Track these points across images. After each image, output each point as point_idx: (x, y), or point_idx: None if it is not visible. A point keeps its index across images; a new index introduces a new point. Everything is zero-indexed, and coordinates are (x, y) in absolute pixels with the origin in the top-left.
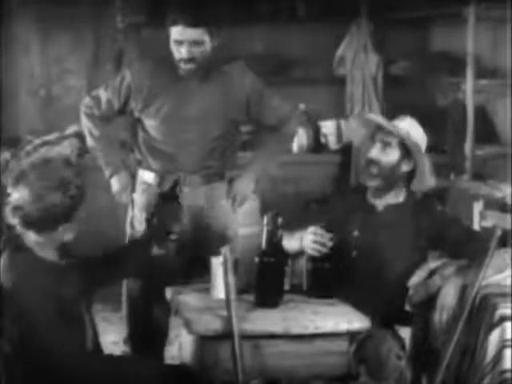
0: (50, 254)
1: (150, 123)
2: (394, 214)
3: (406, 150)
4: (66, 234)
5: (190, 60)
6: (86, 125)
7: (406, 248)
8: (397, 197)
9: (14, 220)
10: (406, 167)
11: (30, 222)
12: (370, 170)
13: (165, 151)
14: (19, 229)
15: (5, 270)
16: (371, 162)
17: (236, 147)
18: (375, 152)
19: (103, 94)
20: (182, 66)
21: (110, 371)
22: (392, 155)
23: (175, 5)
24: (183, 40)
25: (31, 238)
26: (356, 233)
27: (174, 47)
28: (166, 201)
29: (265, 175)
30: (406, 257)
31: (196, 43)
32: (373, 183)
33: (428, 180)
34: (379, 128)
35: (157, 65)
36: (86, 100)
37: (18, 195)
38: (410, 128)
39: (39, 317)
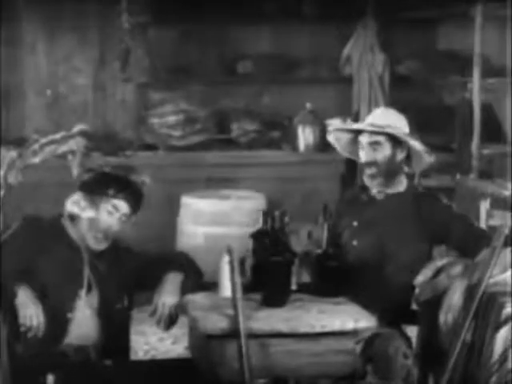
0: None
1: None
2: (395, 203)
3: (395, 139)
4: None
5: None
6: None
7: (408, 238)
8: (397, 187)
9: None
10: (401, 155)
11: None
12: (368, 171)
13: None
14: None
15: None
16: (367, 164)
17: None
18: (368, 154)
19: None
20: None
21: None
22: (385, 151)
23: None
24: None
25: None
26: (356, 223)
27: None
28: None
29: None
30: (409, 248)
31: None
32: (375, 182)
33: (426, 158)
34: (359, 132)
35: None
36: None
37: None
38: (387, 117)
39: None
